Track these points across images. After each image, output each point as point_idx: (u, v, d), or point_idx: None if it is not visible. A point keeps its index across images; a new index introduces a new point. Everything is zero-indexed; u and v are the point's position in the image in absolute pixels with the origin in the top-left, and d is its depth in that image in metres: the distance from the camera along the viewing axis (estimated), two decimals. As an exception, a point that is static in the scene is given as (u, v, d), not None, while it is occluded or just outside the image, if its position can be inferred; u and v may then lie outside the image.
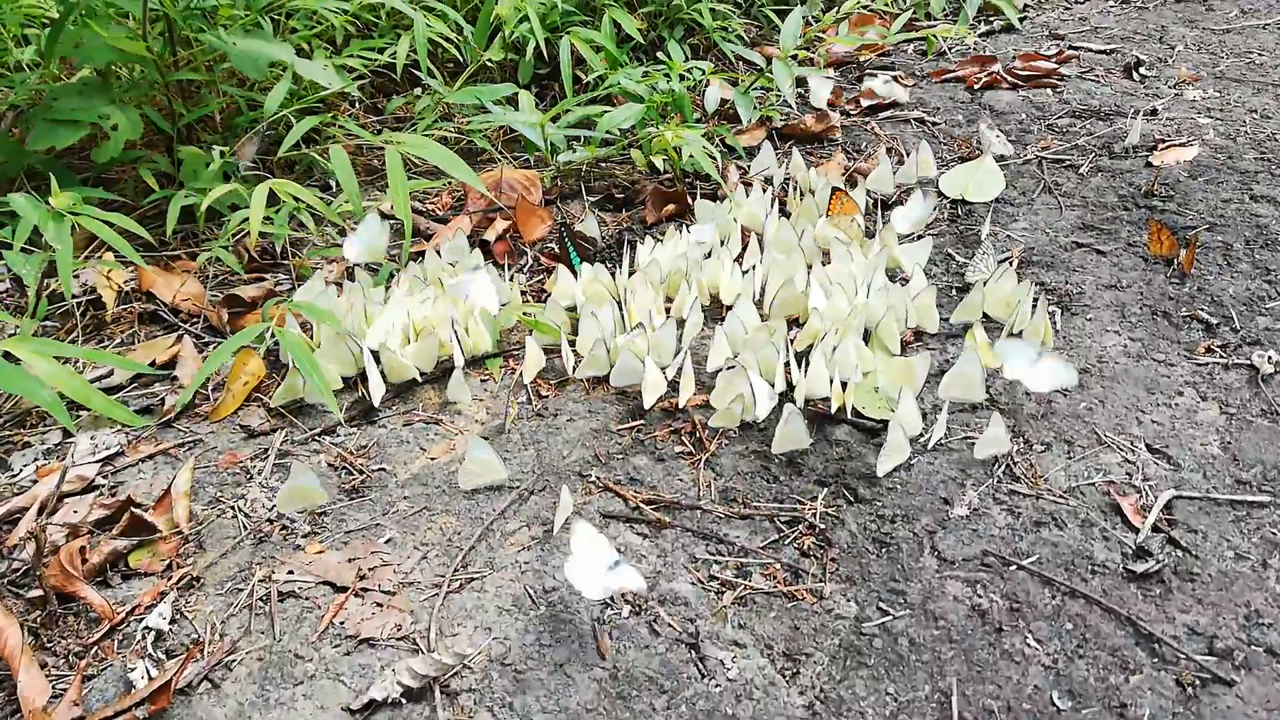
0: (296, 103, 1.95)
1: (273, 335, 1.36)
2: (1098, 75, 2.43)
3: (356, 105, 2.25)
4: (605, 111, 1.93)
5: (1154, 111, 2.19)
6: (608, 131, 1.92)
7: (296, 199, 1.61)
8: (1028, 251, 1.69)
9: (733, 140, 2.02)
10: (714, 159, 1.85)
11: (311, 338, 1.48)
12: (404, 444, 1.31)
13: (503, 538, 1.15)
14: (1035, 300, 1.45)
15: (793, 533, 1.14)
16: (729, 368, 1.33)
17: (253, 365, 1.43)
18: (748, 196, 1.80)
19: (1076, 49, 2.58)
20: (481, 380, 1.44)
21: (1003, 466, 1.22)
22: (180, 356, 1.47)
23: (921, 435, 1.27)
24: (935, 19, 2.85)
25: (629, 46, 2.31)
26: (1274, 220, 1.72)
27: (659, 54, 2.23)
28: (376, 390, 1.37)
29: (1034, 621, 1.02)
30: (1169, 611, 1.03)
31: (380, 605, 1.07)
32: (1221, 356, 1.40)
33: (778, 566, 1.10)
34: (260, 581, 1.11)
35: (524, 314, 1.47)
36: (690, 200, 1.84)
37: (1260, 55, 2.50)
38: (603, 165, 2.03)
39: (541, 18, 2.18)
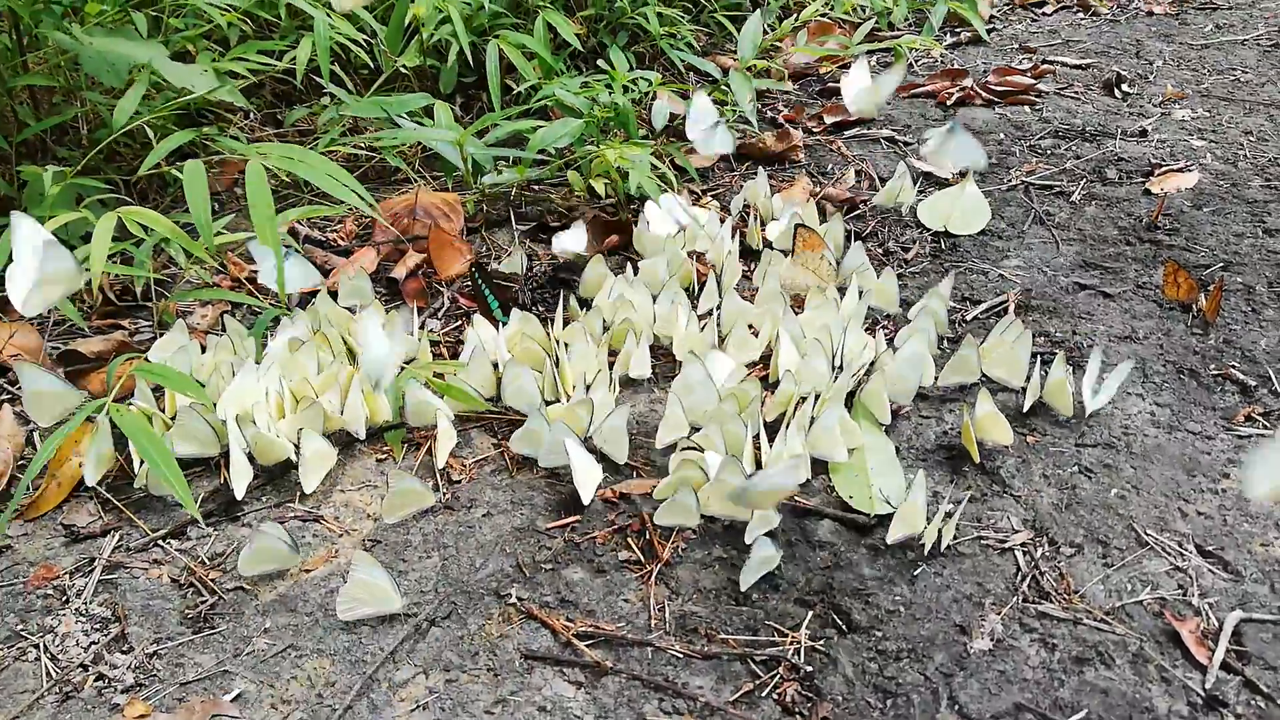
0: (170, 113, 1.65)
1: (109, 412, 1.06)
2: (1077, 92, 2.23)
3: (252, 117, 1.95)
4: (538, 127, 1.66)
5: (1143, 133, 2.00)
6: (541, 150, 1.65)
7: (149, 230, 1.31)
8: (1025, 294, 1.46)
9: (684, 160, 1.77)
10: (663, 185, 1.59)
11: (163, 406, 1.19)
12: (272, 552, 1.03)
13: (391, 690, 0.88)
14: (1039, 355, 1.22)
15: (772, 678, 0.88)
16: (684, 448, 1.07)
17: (85, 444, 1.13)
18: (701, 226, 1.55)
19: (1051, 63, 2.39)
20: (378, 460, 1.16)
21: (1028, 579, 0.98)
22: (-6, 432, 1.16)
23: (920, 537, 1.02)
24: (898, 29, 2.64)
25: (566, 53, 2.05)
26: (1296, 259, 1.52)
27: (600, 62, 1.97)
28: (241, 478, 1.09)
29: (1093, 812, 0.77)
30: (1262, 791, 0.79)
31: (218, 799, 0.79)
32: (1266, 426, 1.18)
33: (754, 731, 0.84)
34: (56, 764, 0.82)
35: (434, 376, 1.20)
36: (634, 229, 1.58)
37: (1245, 73, 2.33)
38: (535, 189, 1.76)
39: (467, 20, 1.90)
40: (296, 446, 1.14)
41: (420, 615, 0.94)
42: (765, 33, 2.26)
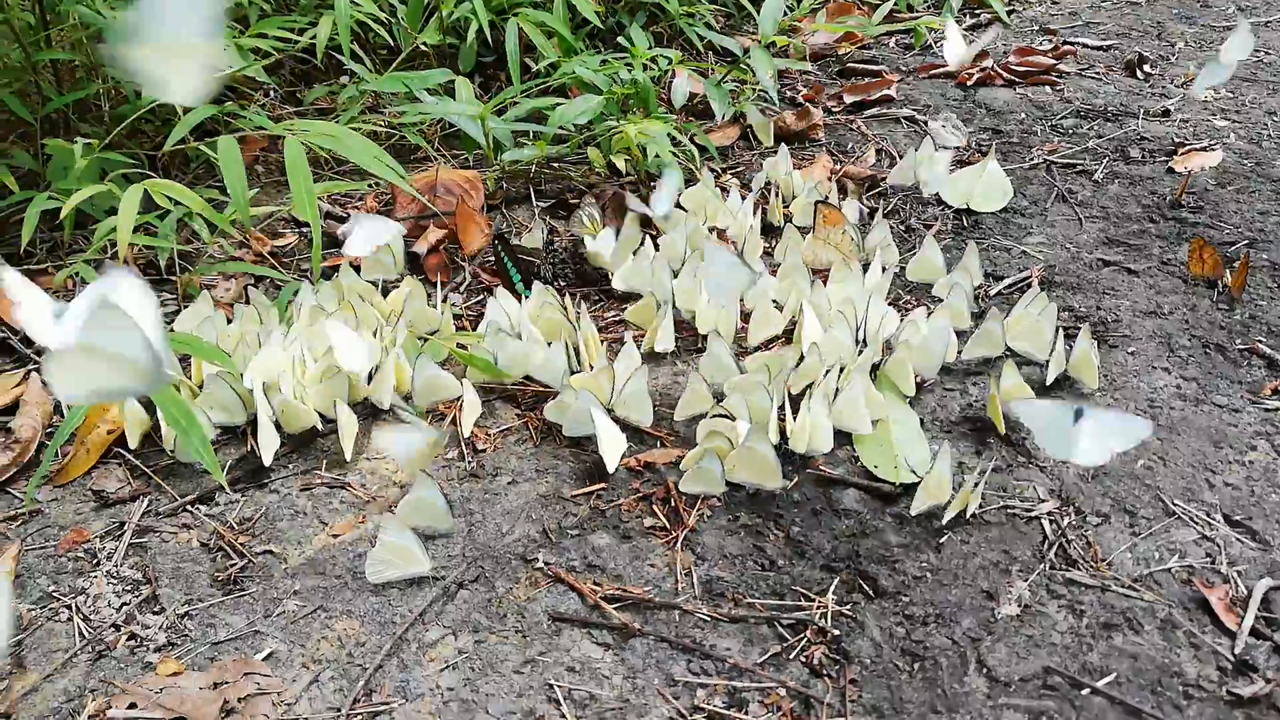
0: (194, 89, 1.65)
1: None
2: (1098, 72, 2.22)
3: (272, 95, 1.96)
4: (558, 104, 1.66)
5: (1165, 113, 1.98)
6: (561, 127, 1.65)
7: (178, 203, 1.32)
8: (1049, 270, 1.45)
9: (704, 139, 1.77)
10: (685, 160, 1.59)
11: (190, 375, 1.20)
12: (299, 516, 1.03)
13: (420, 650, 0.88)
14: (1064, 329, 1.21)
15: (799, 641, 0.89)
16: (712, 415, 1.07)
17: (116, 412, 1.14)
18: (724, 201, 1.55)
19: (1072, 44, 2.37)
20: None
21: (1055, 547, 0.97)
22: (23, 400, 1.17)
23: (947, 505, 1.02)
24: (916, 11, 2.63)
25: (585, 32, 2.04)
26: (1322, 236, 1.51)
27: (619, 41, 1.97)
28: (268, 445, 1.09)
29: (1123, 772, 0.77)
30: (1293, 754, 0.79)
31: (251, 754, 0.80)
32: (1293, 400, 1.17)
33: (782, 692, 0.84)
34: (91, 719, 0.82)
35: (458, 346, 1.20)
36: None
37: (1268, 54, 2.31)
38: (555, 166, 1.76)
39: (487, 3, 1.90)
40: (322, 415, 1.14)
41: (448, 579, 0.95)
42: (785, 13, 2.25)
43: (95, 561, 0.98)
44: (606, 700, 0.83)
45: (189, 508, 1.05)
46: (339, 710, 0.83)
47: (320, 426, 1.14)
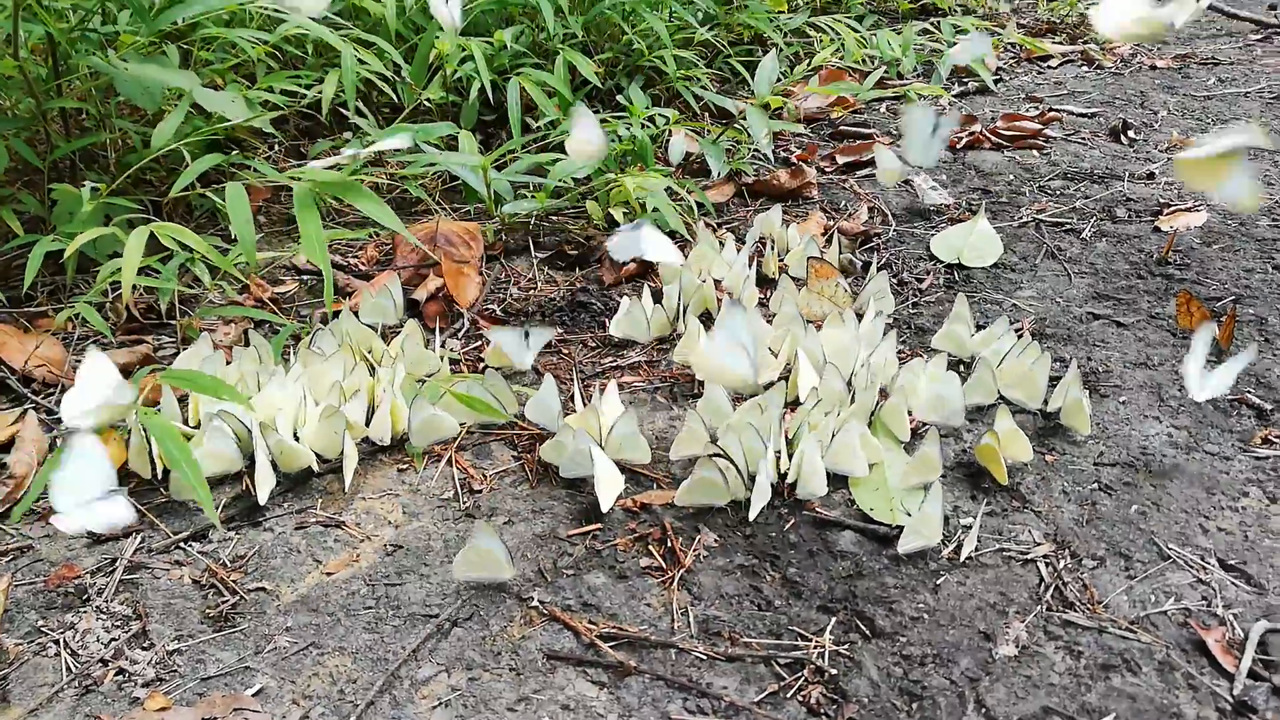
0: (201, 141, 1.69)
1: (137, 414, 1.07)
2: (1084, 138, 2.27)
3: (277, 148, 1.99)
4: (558, 159, 1.70)
5: (1150, 175, 2.03)
6: (560, 181, 1.68)
7: (185, 247, 1.34)
8: (1039, 323, 1.47)
9: (701, 196, 1.80)
10: (682, 214, 1.62)
11: (187, 415, 1.20)
12: (293, 554, 1.03)
13: (413, 688, 0.87)
14: (1056, 380, 1.23)
15: (796, 680, 0.88)
16: (710, 455, 1.08)
17: (111, 451, 1.14)
18: (720, 254, 1.57)
19: (1058, 111, 2.44)
20: (399, 470, 1.16)
21: (1051, 589, 0.97)
22: (19, 438, 1.17)
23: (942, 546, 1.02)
24: (906, 78, 2.70)
25: (585, 92, 2.10)
26: (1306, 292, 1.53)
27: (619, 100, 2.02)
28: (265, 484, 1.09)
29: (1125, 813, 0.76)
30: (1296, 796, 0.78)
31: (238, 790, 0.78)
32: (1283, 448, 1.18)
33: (779, 731, 0.83)
34: (75, 754, 0.81)
35: (454, 389, 1.21)
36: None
37: (1248, 122, 2.38)
38: (554, 219, 1.79)
39: (488, 59, 1.95)
40: (318, 455, 1.15)
41: (442, 615, 0.94)
42: (779, 79, 2.32)
43: (85, 597, 0.97)
44: (601, 738, 0.82)
45: (182, 545, 1.04)
46: (329, 746, 0.81)
47: (316, 467, 1.14)
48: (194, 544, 1.04)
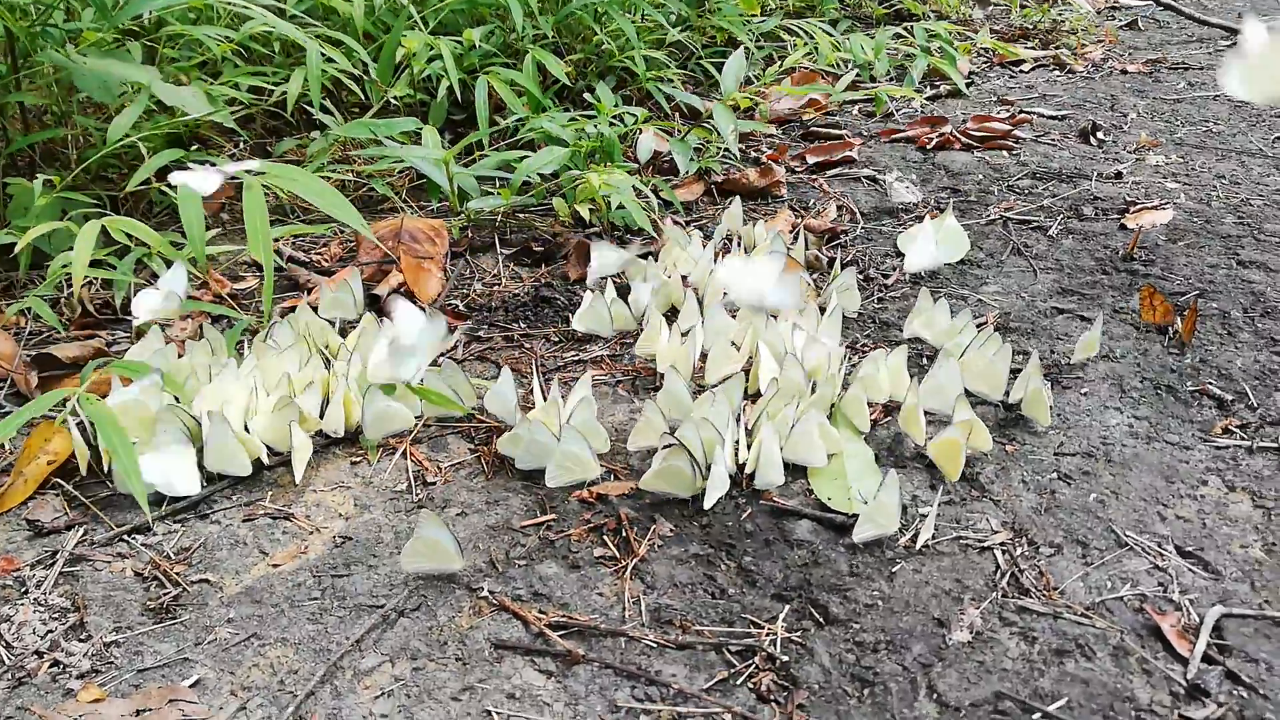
0: (161, 140, 1.67)
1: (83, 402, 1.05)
2: (1054, 139, 2.28)
3: (242, 147, 1.98)
4: (525, 157, 1.69)
5: (1118, 175, 2.04)
6: (526, 177, 1.67)
7: (142, 243, 1.32)
8: (1004, 317, 1.47)
9: (669, 194, 1.79)
10: (648, 210, 1.61)
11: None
12: (239, 546, 1.01)
13: (355, 678, 0.85)
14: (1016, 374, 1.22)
15: (747, 667, 0.86)
16: (665, 446, 1.06)
17: (56, 443, 1.12)
18: (686, 249, 1.57)
19: (1029, 114, 2.45)
20: (352, 463, 1.15)
21: (1007, 576, 0.96)
22: (-36, 430, 1.15)
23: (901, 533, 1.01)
24: (879, 82, 2.71)
25: (555, 90, 2.09)
26: (1269, 287, 1.54)
27: (588, 100, 2.02)
28: (229, 465, 1.07)
29: (1075, 797, 0.75)
30: (1247, 778, 0.77)
31: (170, 782, 0.76)
32: (1243, 438, 1.18)
33: (728, 718, 0.81)
34: (4, 747, 0.79)
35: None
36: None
37: (1216, 124, 2.40)
38: (521, 216, 1.78)
39: (458, 59, 1.94)
40: (269, 448, 1.13)
41: (388, 606, 0.92)
42: (750, 81, 2.32)
43: (23, 589, 0.95)
44: (546, 727, 0.81)
45: (125, 538, 1.02)
46: (266, 737, 0.79)
47: (266, 459, 1.12)
48: (137, 536, 1.02)
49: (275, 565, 0.99)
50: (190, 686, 0.84)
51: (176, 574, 0.97)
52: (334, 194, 1.29)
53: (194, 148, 1.77)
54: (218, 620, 0.91)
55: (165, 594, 0.94)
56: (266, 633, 0.90)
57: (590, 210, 1.68)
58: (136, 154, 1.63)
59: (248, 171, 1.29)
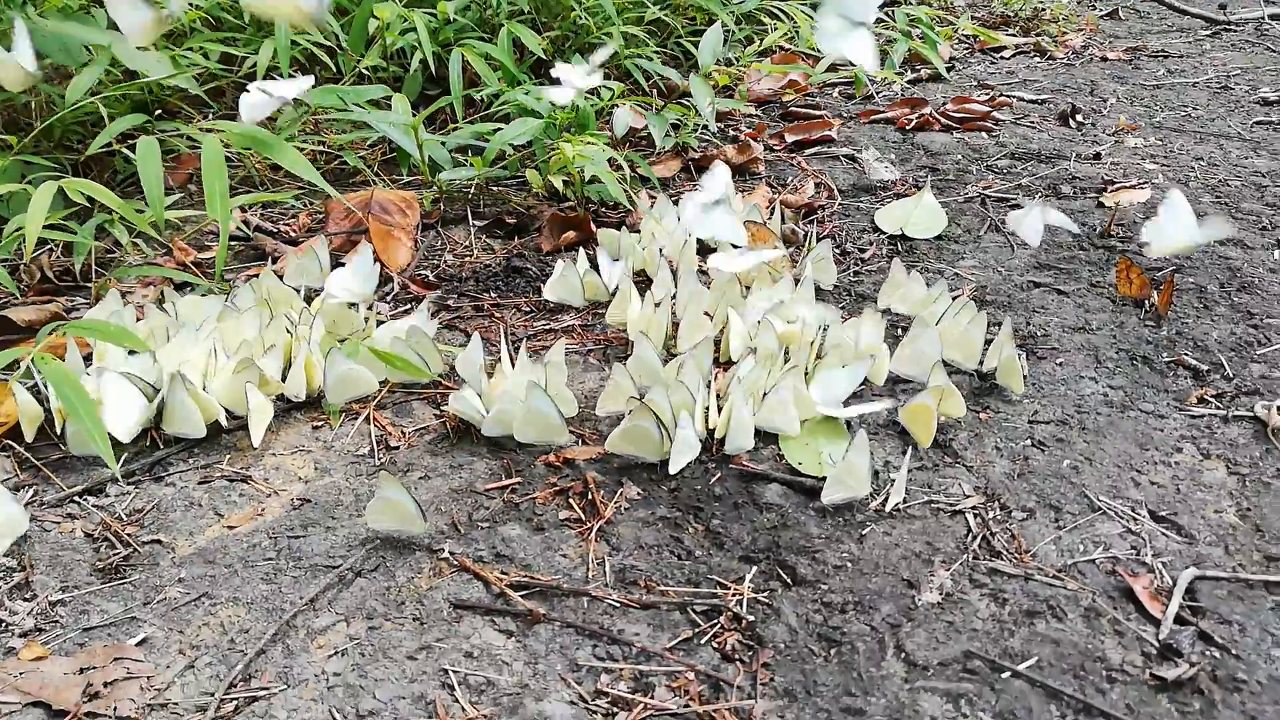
0: (127, 106, 1.64)
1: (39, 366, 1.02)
2: (1033, 122, 2.27)
3: (211, 118, 1.94)
4: (499, 129, 1.66)
5: (1097, 156, 2.03)
6: (500, 149, 1.65)
7: (105, 209, 1.28)
8: (980, 290, 1.46)
9: (646, 169, 1.77)
10: (623, 182, 1.59)
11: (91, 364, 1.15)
12: (194, 508, 0.98)
13: (309, 637, 0.83)
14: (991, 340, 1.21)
15: (711, 627, 0.84)
16: (630, 408, 1.04)
17: (9, 406, 1.08)
18: (661, 222, 1.54)
19: (1009, 98, 2.44)
20: (314, 427, 1.12)
21: (978, 539, 0.95)
22: (-86, 393, 1.11)
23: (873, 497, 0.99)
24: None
25: (530, 64, 2.06)
26: (1246, 264, 1.53)
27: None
28: (183, 425, 1.04)
29: (1043, 753, 0.73)
30: (1218, 735, 0.76)
31: (112, 740, 0.73)
32: (1218, 407, 1.17)
33: (691, 676, 0.79)
34: (-61, 705, 0.76)
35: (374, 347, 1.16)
36: (594, 228, 1.57)
37: (1195, 109, 2.39)
38: (494, 190, 1.75)
39: (432, 33, 1.91)
40: (228, 411, 1.10)
41: (344, 566, 0.90)
42: (730, 63, 2.29)
43: (-32, 550, 0.92)
44: (504, 686, 0.78)
45: (77, 499, 0.99)
46: (212, 695, 0.77)
47: (225, 422, 1.09)
48: (89, 498, 0.99)
49: (230, 527, 0.96)
50: (137, 645, 0.81)
51: (128, 535, 0.94)
52: (296, 154, 1.26)
53: (160, 116, 1.73)
54: (168, 580, 0.89)
55: (115, 554, 0.91)
56: (218, 592, 0.87)
57: (564, 183, 1.66)
58: (101, 122, 1.60)
59: (206, 131, 1.26)
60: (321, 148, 1.80)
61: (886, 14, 2.95)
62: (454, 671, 0.79)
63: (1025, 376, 1.20)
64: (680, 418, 1.03)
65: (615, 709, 0.76)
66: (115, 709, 0.75)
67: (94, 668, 0.79)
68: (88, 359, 1.16)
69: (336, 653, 0.81)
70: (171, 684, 0.78)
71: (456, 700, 0.77)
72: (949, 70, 2.72)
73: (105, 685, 0.77)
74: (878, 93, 2.49)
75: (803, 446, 1.08)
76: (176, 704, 0.76)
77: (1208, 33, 3.19)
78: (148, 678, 0.78)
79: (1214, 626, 0.85)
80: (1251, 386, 1.21)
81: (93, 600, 0.86)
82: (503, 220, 1.64)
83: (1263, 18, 3.26)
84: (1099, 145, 2.10)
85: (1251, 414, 1.15)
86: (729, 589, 0.88)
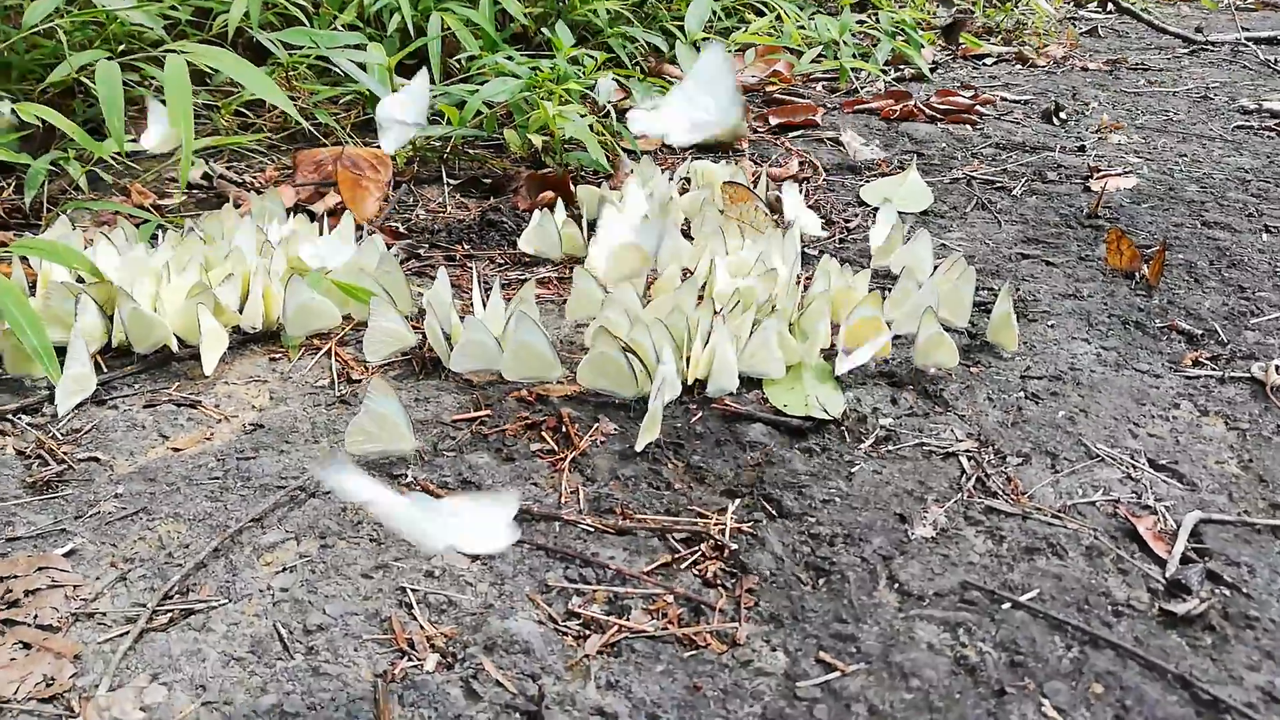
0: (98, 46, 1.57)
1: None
2: (1017, 118, 2.26)
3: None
4: (476, 91, 1.61)
5: (1081, 148, 2.02)
6: (478, 110, 1.60)
7: (50, 136, 1.22)
8: (969, 260, 1.42)
9: (632, 142, 1.73)
10: (603, 143, 1.55)
11: (35, 293, 1.08)
12: (136, 429, 0.91)
13: (255, 554, 0.76)
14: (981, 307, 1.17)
15: (691, 554, 0.79)
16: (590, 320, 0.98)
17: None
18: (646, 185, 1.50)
19: (992, 97, 2.43)
20: (271, 359, 1.05)
21: (973, 480, 0.90)
22: None
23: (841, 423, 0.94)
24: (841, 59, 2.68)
25: (511, 31, 2.02)
26: (1235, 245, 1.51)
27: (547, 46, 1.95)
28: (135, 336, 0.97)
29: (1048, 681, 0.68)
30: (1232, 668, 0.71)
31: (29, 647, 0.66)
32: (1214, 369, 1.13)
33: (669, 599, 0.74)
34: None
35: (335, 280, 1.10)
36: (572, 187, 1.52)
37: (1176, 115, 2.40)
38: (470, 152, 1.70)
39: (412, 1, 1.87)
40: (180, 339, 1.03)
41: (295, 485, 0.83)
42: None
43: (-116, 463, 0.84)
44: (467, 606, 0.72)
45: (10, 417, 0.92)
46: (145, 606, 0.70)
47: (175, 348, 1.02)
48: (24, 416, 0.92)
49: (175, 449, 0.89)
50: (64, 555, 0.74)
51: (63, 453, 0.87)
52: (249, 66, 1.20)
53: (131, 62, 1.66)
54: (104, 496, 0.82)
55: (48, 470, 0.84)
56: (157, 508, 0.80)
57: (544, 146, 1.61)
58: (62, 55, 1.53)
59: (169, 51, 1.20)
60: (295, 103, 1.74)
61: (870, 17, 2.95)
62: (413, 590, 0.73)
63: (1017, 336, 1.16)
64: (663, 354, 0.98)
65: (588, 630, 0.70)
66: (36, 616, 0.68)
67: (15, 576, 0.71)
68: (33, 287, 1.09)
69: (285, 569, 0.74)
70: (100, 594, 0.71)
71: (414, 618, 0.70)
72: (932, 72, 2.71)
73: (26, 594, 0.70)
74: (862, 88, 2.47)
75: (788, 390, 1.02)
76: (104, 614, 0.69)
77: (1186, 50, 3.22)
78: (74, 587, 0.71)
79: (1223, 567, 0.80)
80: (1247, 351, 1.17)
81: (19, 512, 0.79)
82: (478, 180, 1.59)
83: (1239, 39, 3.30)
84: (1083, 140, 2.09)
85: (1249, 375, 1.11)
86: (710, 519, 0.83)
